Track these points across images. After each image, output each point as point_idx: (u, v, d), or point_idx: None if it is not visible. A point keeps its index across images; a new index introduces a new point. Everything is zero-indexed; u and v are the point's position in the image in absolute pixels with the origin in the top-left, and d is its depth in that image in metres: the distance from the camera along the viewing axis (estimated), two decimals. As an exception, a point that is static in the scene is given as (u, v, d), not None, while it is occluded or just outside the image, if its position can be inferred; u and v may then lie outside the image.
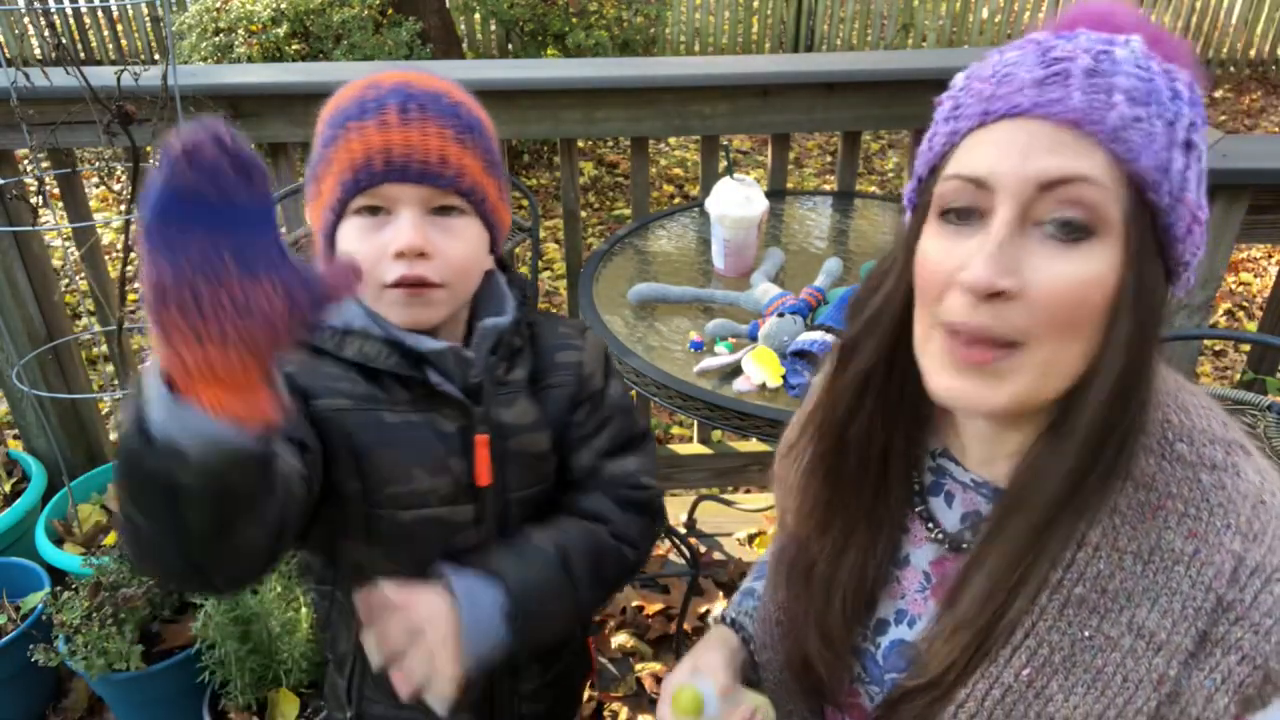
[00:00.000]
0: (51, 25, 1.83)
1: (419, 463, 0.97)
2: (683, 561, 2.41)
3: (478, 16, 7.04)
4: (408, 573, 1.01)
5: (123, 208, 1.96)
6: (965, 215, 0.69)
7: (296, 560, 1.84)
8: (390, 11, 5.09)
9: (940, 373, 0.71)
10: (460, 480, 1.00)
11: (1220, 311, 4.10)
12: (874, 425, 0.80)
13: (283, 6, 4.68)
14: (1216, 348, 3.81)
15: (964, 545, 0.81)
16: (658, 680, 2.16)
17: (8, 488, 2.28)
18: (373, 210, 0.92)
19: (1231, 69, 7.84)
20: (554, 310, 3.87)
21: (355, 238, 0.92)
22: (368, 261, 0.91)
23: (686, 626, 2.25)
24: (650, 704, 2.09)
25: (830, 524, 0.84)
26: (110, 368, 2.77)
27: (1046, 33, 0.69)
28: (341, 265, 0.67)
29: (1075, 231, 0.64)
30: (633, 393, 1.31)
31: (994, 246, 0.65)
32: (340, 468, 0.95)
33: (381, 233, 0.92)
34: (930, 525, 0.83)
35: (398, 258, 0.91)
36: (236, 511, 0.69)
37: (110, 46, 7.57)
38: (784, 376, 1.45)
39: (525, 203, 2.17)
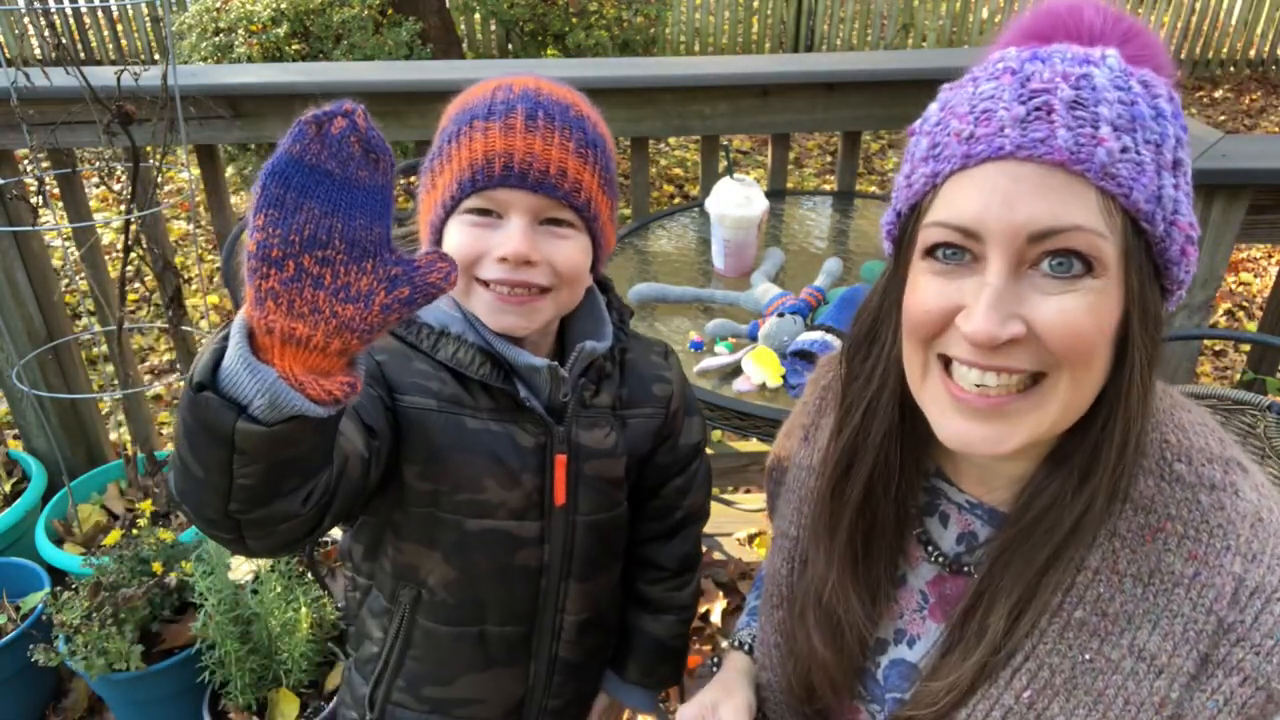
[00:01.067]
0: (51, 25, 1.83)
1: (493, 473, 0.97)
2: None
3: (478, 16, 7.04)
4: (464, 583, 1.02)
5: (123, 208, 1.96)
6: (953, 255, 0.66)
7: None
8: (390, 11, 5.09)
9: (947, 417, 0.69)
10: (531, 496, 1.00)
11: (1220, 311, 4.10)
12: (881, 460, 0.80)
13: (283, 6, 4.68)
14: (1216, 348, 3.81)
15: (965, 568, 0.80)
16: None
17: (8, 488, 2.28)
18: (484, 211, 0.91)
19: (1231, 69, 7.83)
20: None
21: (462, 235, 0.92)
22: (469, 256, 0.91)
23: (686, 626, 2.25)
24: (650, 704, 2.09)
25: (834, 551, 0.83)
26: (110, 368, 2.77)
27: (1018, 50, 0.67)
28: (441, 263, 0.66)
29: (1066, 270, 0.63)
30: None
31: (992, 297, 0.63)
32: (414, 467, 0.95)
33: (490, 234, 0.91)
34: (929, 548, 0.82)
35: (501, 262, 0.90)
36: (287, 475, 0.68)
37: (110, 46, 7.57)
38: (784, 376, 1.45)
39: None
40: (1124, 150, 0.61)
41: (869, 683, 0.85)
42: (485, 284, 0.92)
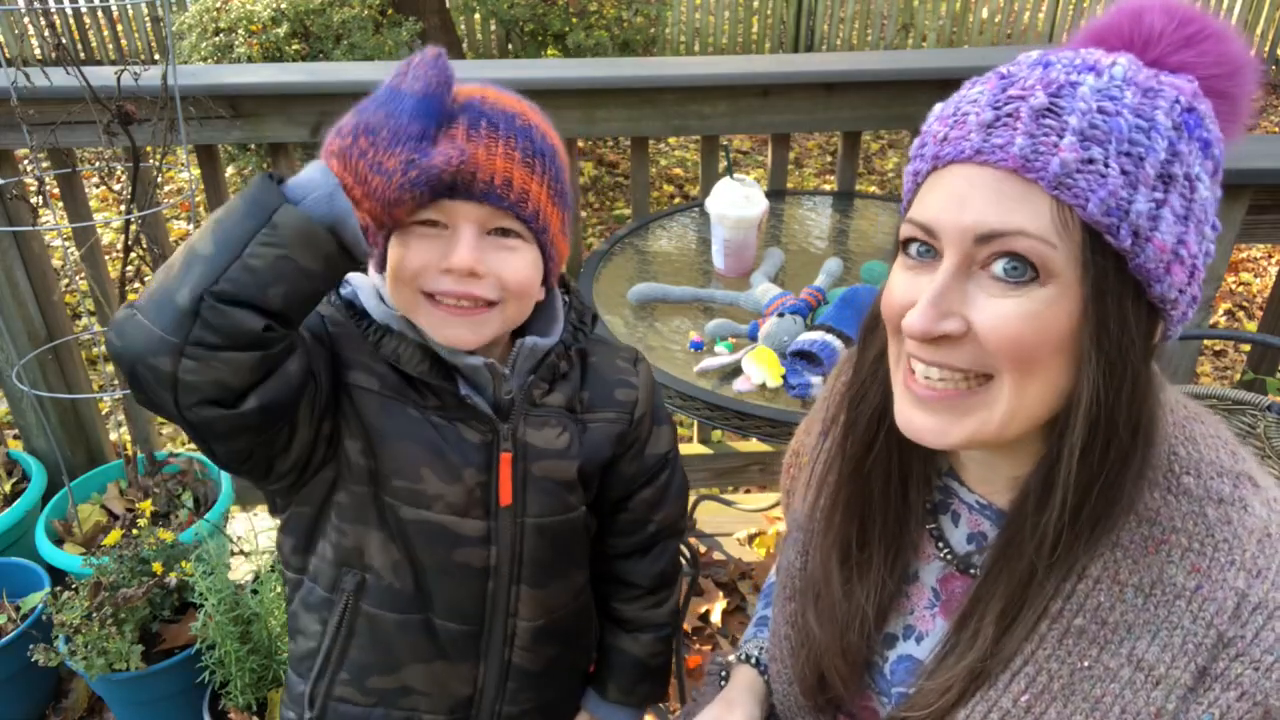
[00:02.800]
0: (51, 25, 1.83)
1: (430, 464, 0.96)
2: (683, 562, 2.41)
3: (478, 16, 7.05)
4: (407, 567, 1.00)
5: (123, 208, 1.96)
6: (926, 252, 0.69)
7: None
8: (390, 11, 5.09)
9: (902, 404, 0.72)
10: (474, 494, 0.99)
11: (1220, 311, 4.10)
12: (892, 451, 0.80)
13: (283, 6, 4.68)
14: (1216, 348, 3.81)
15: (972, 569, 0.81)
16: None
17: (8, 488, 2.28)
18: (430, 223, 0.90)
19: (1231, 69, 7.83)
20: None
21: (408, 247, 0.91)
22: (416, 268, 0.91)
23: (686, 626, 2.25)
24: (650, 704, 2.09)
25: (853, 547, 0.84)
26: (110, 367, 2.77)
27: (1039, 53, 0.67)
28: (450, 150, 0.86)
29: (1019, 276, 0.63)
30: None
31: (933, 294, 0.65)
32: (357, 443, 0.95)
33: (436, 245, 0.90)
34: (941, 544, 0.83)
35: (447, 273, 0.90)
36: (277, 283, 0.78)
37: (110, 46, 7.57)
38: (784, 376, 1.44)
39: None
40: (1089, 161, 0.60)
41: (877, 676, 0.86)
42: (431, 296, 0.91)
